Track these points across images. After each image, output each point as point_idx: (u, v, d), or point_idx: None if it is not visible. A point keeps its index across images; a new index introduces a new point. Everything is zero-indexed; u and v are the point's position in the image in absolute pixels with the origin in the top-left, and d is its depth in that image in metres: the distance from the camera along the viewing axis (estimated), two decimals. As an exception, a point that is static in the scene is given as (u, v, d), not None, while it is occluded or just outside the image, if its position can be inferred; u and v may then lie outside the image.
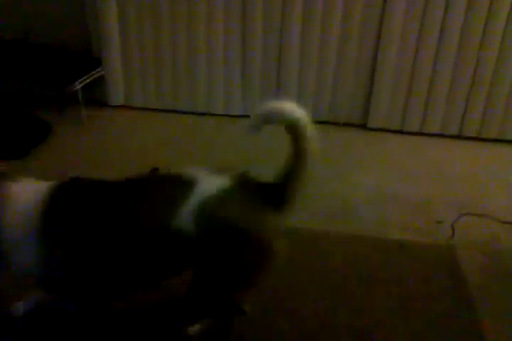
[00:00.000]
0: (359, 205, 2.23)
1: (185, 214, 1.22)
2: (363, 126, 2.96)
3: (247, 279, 1.33)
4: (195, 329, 1.47)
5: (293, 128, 1.22)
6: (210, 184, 1.25)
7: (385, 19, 2.67)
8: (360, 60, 2.83)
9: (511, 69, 2.71)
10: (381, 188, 2.37)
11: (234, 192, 1.26)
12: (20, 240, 1.22)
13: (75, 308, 1.47)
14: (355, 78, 2.88)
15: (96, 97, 3.01)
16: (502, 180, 2.51)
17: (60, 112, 2.94)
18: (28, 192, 1.26)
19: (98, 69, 2.92)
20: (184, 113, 3.05)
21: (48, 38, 2.95)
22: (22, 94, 3.00)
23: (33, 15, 2.93)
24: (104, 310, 1.51)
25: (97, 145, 2.68)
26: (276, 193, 1.28)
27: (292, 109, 1.22)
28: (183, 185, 1.25)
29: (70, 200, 1.27)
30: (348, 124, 2.98)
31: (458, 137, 2.90)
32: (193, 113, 3.05)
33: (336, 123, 2.96)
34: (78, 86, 2.75)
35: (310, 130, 1.23)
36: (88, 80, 2.82)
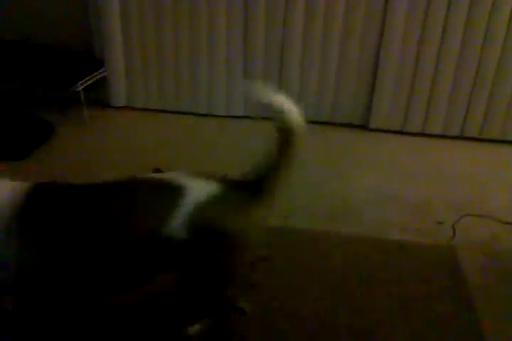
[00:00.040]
0: (360, 205, 2.23)
1: (177, 222, 1.21)
2: (365, 127, 2.97)
3: (231, 279, 1.37)
4: (195, 329, 1.47)
5: (282, 123, 1.24)
6: (199, 190, 1.25)
7: (387, 19, 2.67)
8: (362, 60, 2.83)
9: (513, 69, 2.72)
10: (382, 188, 2.37)
11: (223, 198, 1.26)
12: None
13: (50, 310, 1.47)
14: (356, 79, 2.88)
15: (98, 98, 3.02)
16: (503, 180, 2.50)
17: (62, 113, 2.95)
18: (2, 191, 1.25)
19: (100, 70, 2.93)
20: (186, 114, 3.06)
21: (50, 38, 2.95)
22: (24, 94, 3.01)
23: (35, 15, 2.94)
24: (86, 311, 1.50)
25: (99, 146, 2.69)
26: (257, 189, 1.30)
27: (283, 103, 1.25)
28: (173, 192, 1.24)
29: (45, 201, 1.27)
30: (349, 125, 2.98)
31: (459, 138, 2.90)
32: (194, 114, 3.05)
33: (337, 124, 2.97)
34: (80, 87, 2.76)
35: (300, 126, 1.25)
36: (90, 81, 2.84)
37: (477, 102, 2.81)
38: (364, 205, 2.24)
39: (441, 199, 2.30)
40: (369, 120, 2.94)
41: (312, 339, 1.54)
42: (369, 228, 2.08)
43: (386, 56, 2.77)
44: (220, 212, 1.26)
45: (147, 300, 1.57)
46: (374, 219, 2.14)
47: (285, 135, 1.25)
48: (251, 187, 1.31)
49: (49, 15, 2.93)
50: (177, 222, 1.22)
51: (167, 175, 1.33)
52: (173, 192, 1.24)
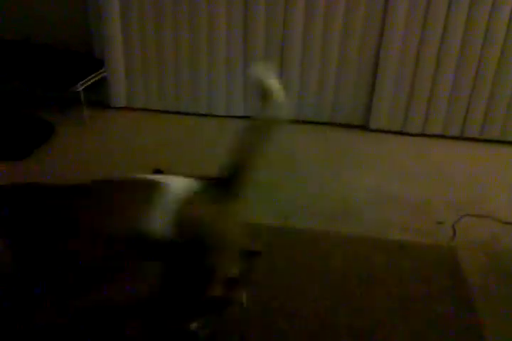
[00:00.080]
0: (359, 205, 2.23)
1: (157, 220, 1.21)
2: (365, 127, 2.97)
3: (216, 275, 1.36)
4: (195, 325, 1.47)
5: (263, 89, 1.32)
6: (180, 189, 1.26)
7: (387, 19, 2.68)
8: (362, 60, 2.83)
9: (513, 70, 2.72)
10: (382, 189, 2.37)
11: (205, 195, 1.27)
12: None
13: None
14: (356, 79, 2.88)
15: (98, 98, 3.02)
16: (503, 180, 2.50)
17: (62, 113, 2.95)
18: None
19: (100, 71, 2.94)
20: (186, 114, 3.06)
21: (50, 38, 2.96)
22: (24, 94, 3.01)
23: (35, 16, 2.94)
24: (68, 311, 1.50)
25: (99, 146, 2.69)
26: (231, 184, 1.32)
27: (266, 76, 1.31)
28: (151, 190, 1.24)
29: (20, 202, 1.26)
30: (349, 125, 2.98)
31: (459, 138, 2.90)
32: (194, 114, 3.06)
33: (337, 124, 2.97)
34: (80, 87, 2.76)
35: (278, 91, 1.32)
36: (90, 81, 2.84)
37: (477, 102, 2.81)
38: (364, 205, 2.24)
39: (441, 199, 2.30)
40: (369, 120, 2.94)
41: (312, 339, 1.54)
42: (369, 228, 2.08)
43: (386, 56, 2.77)
44: (200, 208, 1.26)
45: (136, 299, 1.56)
46: (374, 219, 2.14)
47: (265, 100, 1.32)
48: (226, 183, 1.32)
49: (49, 15, 2.93)
50: (156, 220, 1.22)
51: (147, 176, 1.33)
52: (152, 191, 1.25)
